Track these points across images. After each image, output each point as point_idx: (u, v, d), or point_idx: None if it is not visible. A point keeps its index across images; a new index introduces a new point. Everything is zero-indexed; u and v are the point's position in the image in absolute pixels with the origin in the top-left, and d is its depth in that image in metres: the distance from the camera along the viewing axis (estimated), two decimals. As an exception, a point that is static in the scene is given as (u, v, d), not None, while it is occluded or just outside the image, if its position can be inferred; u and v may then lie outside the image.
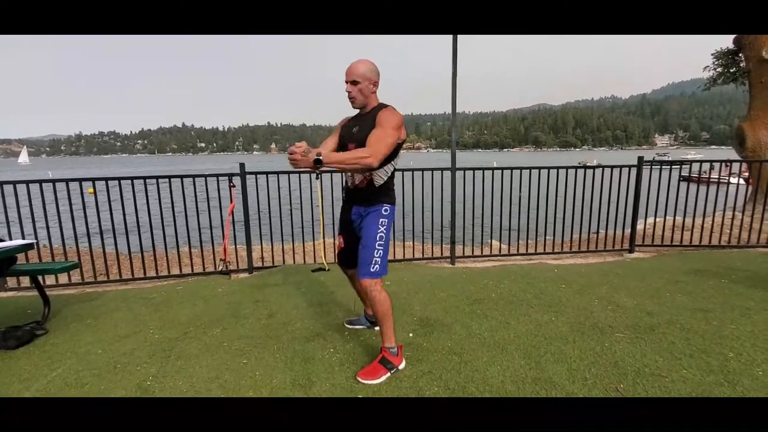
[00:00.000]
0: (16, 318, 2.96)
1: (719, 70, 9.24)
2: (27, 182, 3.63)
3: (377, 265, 2.11)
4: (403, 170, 4.31)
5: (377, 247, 2.12)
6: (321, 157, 1.83)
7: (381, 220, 2.15)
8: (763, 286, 3.18)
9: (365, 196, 2.18)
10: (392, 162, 2.14)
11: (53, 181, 3.67)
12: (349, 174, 2.20)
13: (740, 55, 8.20)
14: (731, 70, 9.03)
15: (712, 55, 9.24)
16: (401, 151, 2.16)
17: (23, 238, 3.45)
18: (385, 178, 2.17)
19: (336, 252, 2.55)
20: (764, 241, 4.57)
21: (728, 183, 4.92)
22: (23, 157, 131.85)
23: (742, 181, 6.92)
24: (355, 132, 2.13)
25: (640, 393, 1.89)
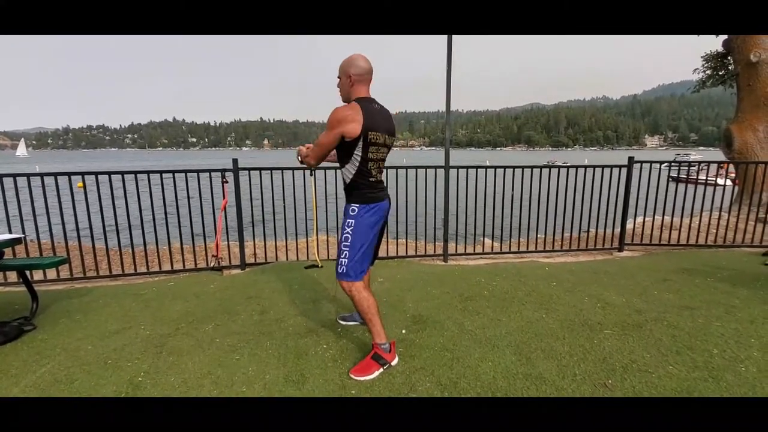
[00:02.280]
0: (3, 314, 2.92)
1: (708, 72, 9.38)
2: (14, 175, 3.57)
3: (343, 267, 2.10)
4: (396, 168, 4.32)
5: (342, 248, 2.10)
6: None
7: (347, 220, 2.11)
8: (747, 284, 3.25)
9: (346, 194, 2.18)
10: (353, 161, 2.04)
11: (41, 175, 3.62)
12: None
13: (729, 58, 8.33)
14: (720, 73, 9.18)
15: (701, 57, 9.38)
16: (367, 147, 2.00)
17: (10, 233, 3.39)
18: (350, 177, 2.09)
19: None
20: (749, 241, 4.66)
21: (715, 184, 5.01)
22: (21, 150, 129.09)
23: (729, 182, 7.04)
24: None
25: (627, 388, 1.93)
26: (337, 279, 2.14)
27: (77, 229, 3.76)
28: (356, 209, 2.10)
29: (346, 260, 2.09)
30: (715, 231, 4.93)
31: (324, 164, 2.58)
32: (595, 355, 2.23)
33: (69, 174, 3.66)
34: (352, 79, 2.05)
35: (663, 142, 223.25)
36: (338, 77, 2.11)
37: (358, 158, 2.04)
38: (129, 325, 2.76)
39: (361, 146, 2.00)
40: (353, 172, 2.08)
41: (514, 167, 4.53)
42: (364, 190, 2.10)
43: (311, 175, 2.88)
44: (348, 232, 2.09)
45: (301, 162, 2.31)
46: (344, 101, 2.13)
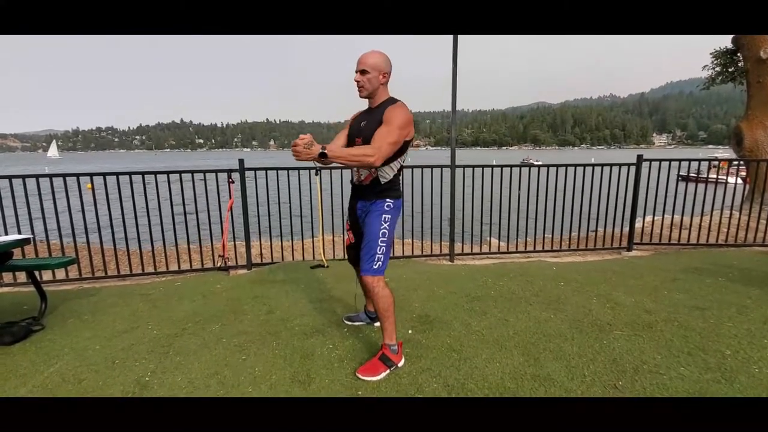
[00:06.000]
0: (12, 314, 2.93)
1: (718, 69, 9.26)
2: (23, 177, 3.61)
3: (380, 262, 2.08)
4: (402, 167, 4.31)
5: (380, 243, 2.09)
6: (326, 151, 1.84)
7: (384, 216, 2.10)
8: (759, 284, 3.19)
9: (369, 192, 2.14)
10: (399, 159, 2.11)
11: (50, 176, 3.65)
12: (355, 169, 2.18)
13: (738, 54, 8.22)
14: (729, 70, 9.06)
15: (710, 54, 9.27)
16: (409, 149, 2.14)
17: (19, 233, 3.42)
18: (391, 176, 2.12)
19: (345, 247, 2.54)
20: (761, 240, 4.59)
21: (726, 182, 4.94)
22: (52, 151, 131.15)
23: (739, 180, 6.94)
24: (363, 126, 2.10)
25: (638, 390, 1.90)
26: (366, 275, 2.09)
27: (86, 230, 3.78)
28: (392, 204, 2.13)
29: (383, 255, 2.09)
30: (725, 230, 4.85)
31: (336, 164, 2.45)
32: (604, 356, 2.20)
33: (78, 175, 3.69)
34: (387, 78, 2.07)
35: (671, 140, 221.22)
36: (362, 71, 2.02)
37: (403, 158, 2.13)
38: (137, 325, 2.77)
39: (406, 148, 2.09)
40: (396, 170, 2.13)
41: (520, 166, 4.51)
42: (397, 186, 2.18)
43: (317, 174, 2.89)
44: (385, 228, 2.10)
45: (300, 158, 1.88)
46: (366, 97, 2.10)
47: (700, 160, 4.97)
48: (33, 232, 3.52)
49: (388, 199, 2.13)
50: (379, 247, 2.09)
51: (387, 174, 2.11)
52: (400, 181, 2.21)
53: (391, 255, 4.33)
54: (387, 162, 2.06)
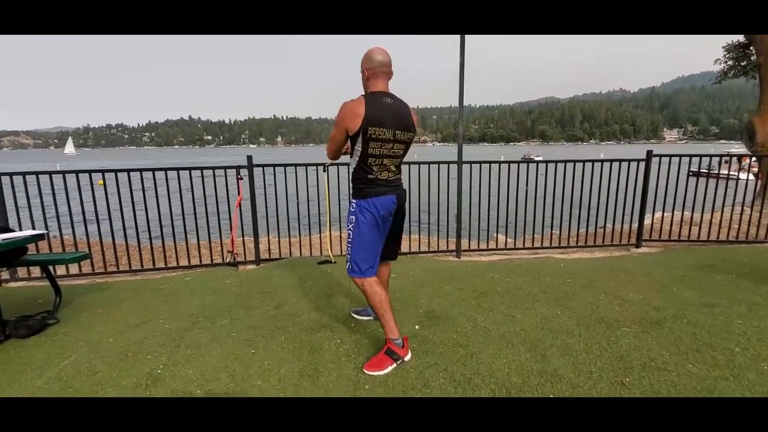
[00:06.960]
0: (27, 307, 3.00)
1: (730, 63, 9.12)
2: (37, 173, 3.67)
3: (353, 264, 2.12)
4: (409, 163, 4.31)
5: (348, 245, 2.14)
6: None
7: (350, 216, 2.15)
8: (771, 281, 3.16)
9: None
10: (354, 155, 2.08)
11: (63, 173, 3.71)
12: None
13: (751, 48, 8.08)
14: (742, 64, 8.92)
15: (723, 48, 9.12)
16: (367, 143, 1.99)
17: (34, 229, 3.49)
18: (352, 171, 2.15)
19: None
20: (773, 237, 4.53)
21: (737, 178, 4.87)
22: (69, 148, 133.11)
23: (751, 176, 6.84)
24: None
25: (645, 387, 1.90)
26: (349, 275, 2.18)
27: (98, 226, 3.85)
28: (354, 205, 2.13)
29: (350, 256, 2.13)
30: (736, 226, 4.80)
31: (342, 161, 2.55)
32: (612, 352, 2.20)
33: (90, 171, 3.75)
34: (367, 73, 2.07)
35: (683, 135, 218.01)
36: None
37: (358, 153, 2.06)
38: (148, 319, 2.82)
39: (360, 141, 2.01)
40: (354, 166, 2.12)
41: (527, 162, 4.49)
42: (362, 185, 2.09)
43: (324, 171, 2.90)
44: (350, 229, 2.14)
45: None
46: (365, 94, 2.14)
47: (711, 156, 4.91)
48: (47, 228, 3.59)
49: (352, 199, 2.15)
50: (348, 248, 2.14)
51: (350, 170, 2.16)
52: (369, 181, 2.07)
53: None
54: (351, 158, 2.15)
